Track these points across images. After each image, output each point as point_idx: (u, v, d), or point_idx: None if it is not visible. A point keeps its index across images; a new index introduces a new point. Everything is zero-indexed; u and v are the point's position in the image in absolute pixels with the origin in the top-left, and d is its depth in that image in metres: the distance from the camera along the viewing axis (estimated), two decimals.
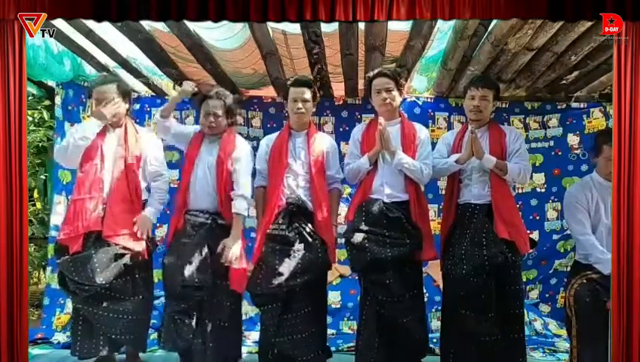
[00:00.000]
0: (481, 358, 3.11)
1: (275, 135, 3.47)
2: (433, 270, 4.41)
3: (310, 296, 3.23)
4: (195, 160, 3.35)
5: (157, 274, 3.58)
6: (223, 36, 3.61)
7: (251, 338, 4.11)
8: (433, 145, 3.53)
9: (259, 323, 3.56)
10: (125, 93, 3.40)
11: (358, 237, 3.18)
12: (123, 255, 3.19)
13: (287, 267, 3.12)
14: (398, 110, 3.41)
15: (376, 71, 3.35)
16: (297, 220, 3.23)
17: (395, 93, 3.28)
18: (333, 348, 3.78)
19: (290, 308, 3.17)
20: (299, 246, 3.18)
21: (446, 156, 3.36)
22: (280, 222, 3.21)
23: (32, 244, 5.16)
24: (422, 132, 3.38)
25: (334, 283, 4.56)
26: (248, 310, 4.18)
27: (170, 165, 4.19)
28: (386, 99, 3.26)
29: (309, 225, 3.25)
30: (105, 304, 3.16)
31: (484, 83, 3.27)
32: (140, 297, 3.29)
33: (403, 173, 3.25)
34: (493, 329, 3.06)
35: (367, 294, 3.26)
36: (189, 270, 3.14)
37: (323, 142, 3.39)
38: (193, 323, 3.19)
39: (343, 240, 3.47)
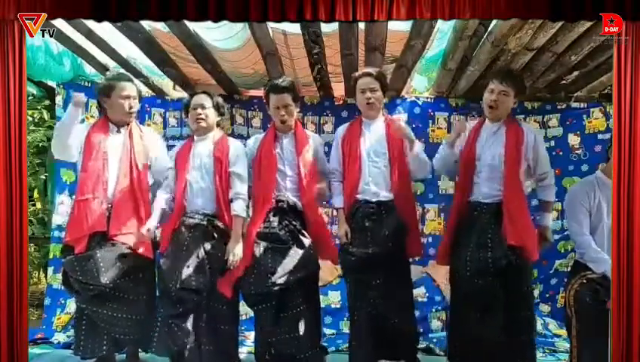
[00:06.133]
0: (489, 360, 3.08)
1: (261, 136, 3.48)
2: (433, 270, 4.41)
3: (304, 293, 3.23)
4: (187, 162, 3.31)
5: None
6: (223, 36, 3.61)
7: (251, 338, 4.09)
8: (434, 146, 3.54)
9: None
10: (139, 93, 3.48)
11: (343, 239, 3.28)
12: (127, 255, 3.17)
13: (280, 265, 3.12)
14: (382, 110, 3.44)
15: (361, 71, 3.38)
16: (288, 218, 3.24)
17: (380, 93, 3.31)
18: (332, 348, 3.78)
19: (285, 306, 3.16)
20: (291, 244, 3.19)
21: (458, 156, 3.31)
22: (271, 220, 3.22)
23: (32, 244, 5.17)
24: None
25: (334, 283, 4.55)
26: (248, 310, 4.16)
27: None
28: (370, 98, 3.28)
29: (299, 223, 3.25)
30: (109, 304, 3.15)
31: (507, 78, 3.13)
32: (144, 297, 3.28)
33: (387, 172, 3.27)
34: (499, 331, 3.02)
35: (357, 297, 3.26)
36: (186, 273, 3.11)
37: (310, 141, 3.39)
38: (189, 326, 3.15)
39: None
